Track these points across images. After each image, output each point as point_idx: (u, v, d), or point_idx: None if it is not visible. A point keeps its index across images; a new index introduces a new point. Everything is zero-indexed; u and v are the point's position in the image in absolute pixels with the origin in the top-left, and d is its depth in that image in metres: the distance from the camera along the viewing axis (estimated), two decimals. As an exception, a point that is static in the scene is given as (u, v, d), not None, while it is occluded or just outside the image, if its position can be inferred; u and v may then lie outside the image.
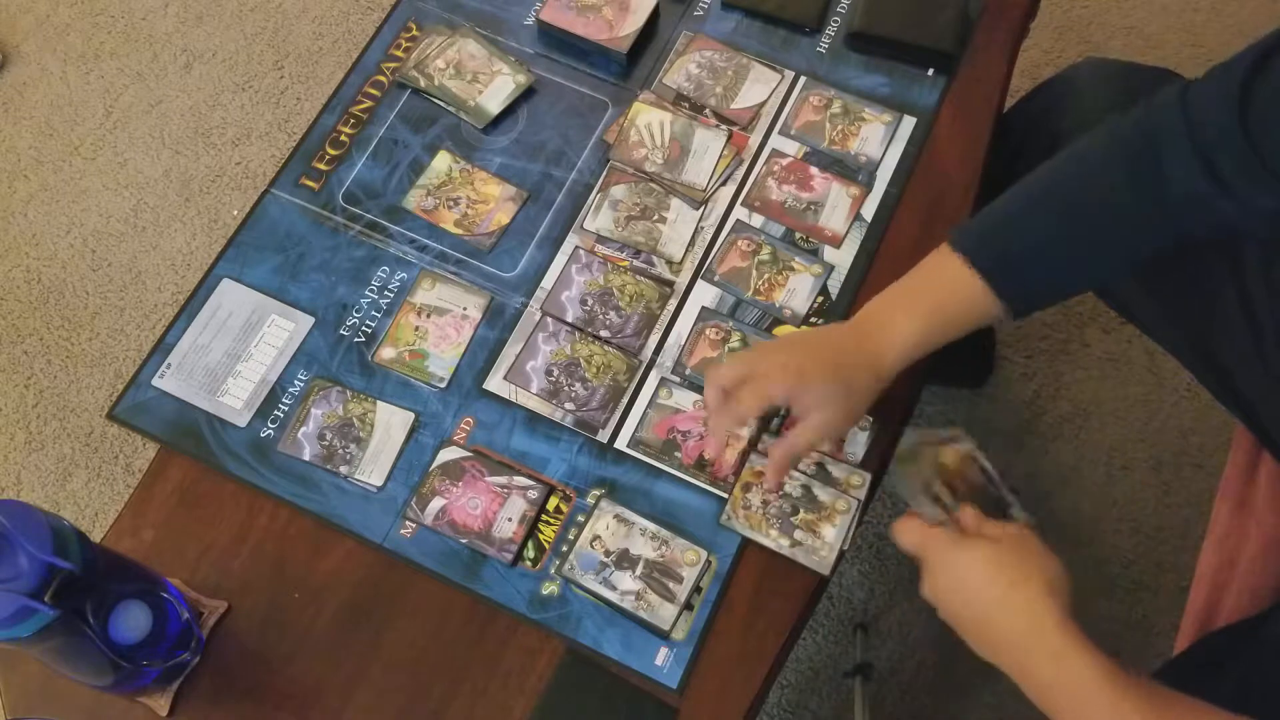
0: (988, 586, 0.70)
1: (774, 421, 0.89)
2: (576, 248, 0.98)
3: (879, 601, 1.39)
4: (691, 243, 0.98)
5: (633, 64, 1.06)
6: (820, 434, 0.80)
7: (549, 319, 0.95)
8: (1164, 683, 0.65)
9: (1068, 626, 0.66)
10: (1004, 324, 0.82)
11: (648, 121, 1.02)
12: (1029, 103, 1.04)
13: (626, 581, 0.84)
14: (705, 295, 0.95)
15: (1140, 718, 0.62)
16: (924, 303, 0.81)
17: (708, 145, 1.01)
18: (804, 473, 0.87)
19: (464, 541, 0.86)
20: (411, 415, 0.91)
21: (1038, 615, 0.67)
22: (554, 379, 0.92)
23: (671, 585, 0.84)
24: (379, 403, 0.92)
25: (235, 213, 1.66)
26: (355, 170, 1.02)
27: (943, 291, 0.81)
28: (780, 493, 0.86)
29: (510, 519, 0.87)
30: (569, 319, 0.95)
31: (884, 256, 0.96)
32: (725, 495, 0.87)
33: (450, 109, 1.04)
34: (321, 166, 1.02)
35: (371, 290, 0.97)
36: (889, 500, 1.43)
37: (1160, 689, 0.64)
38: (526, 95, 1.05)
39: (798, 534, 0.85)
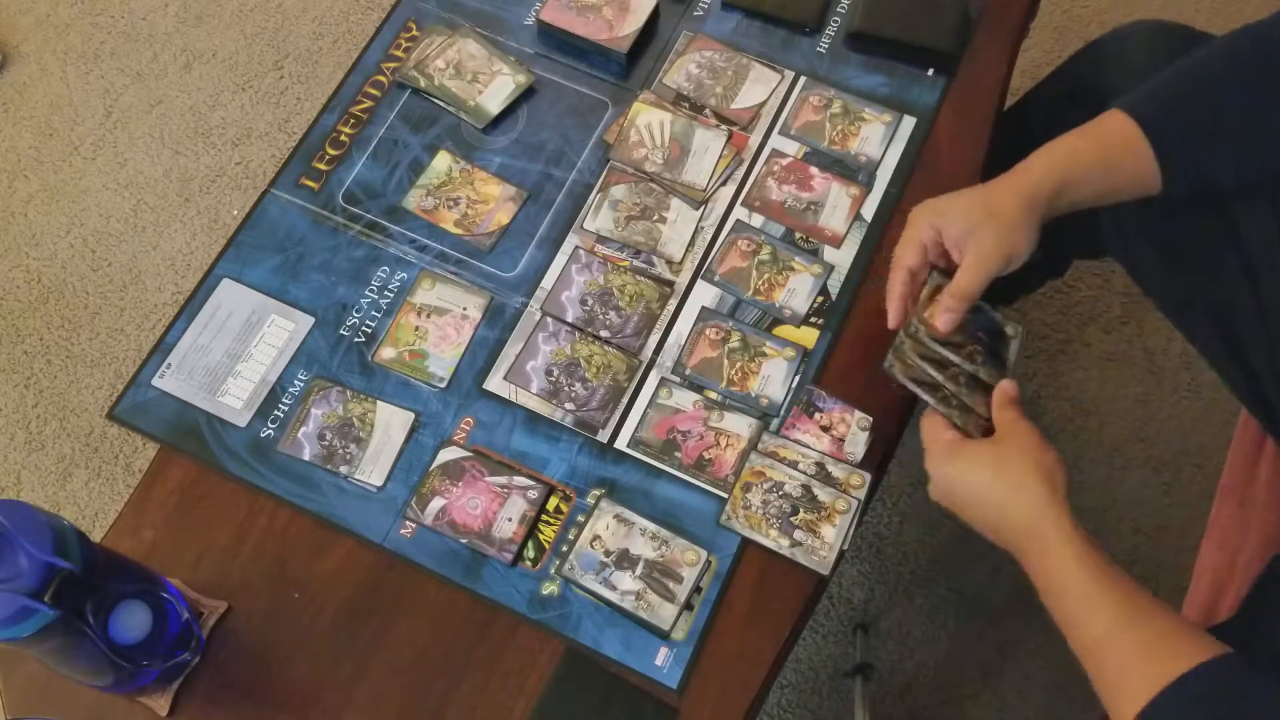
0: (990, 492, 0.75)
1: (774, 422, 0.89)
2: (576, 248, 0.98)
3: (879, 601, 1.39)
4: (691, 243, 0.98)
5: (633, 64, 1.06)
6: (976, 268, 0.79)
7: (549, 319, 0.95)
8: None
9: (1062, 524, 0.71)
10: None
11: (648, 121, 1.02)
12: (1074, 63, 1.04)
13: (626, 581, 0.84)
14: (705, 295, 0.95)
15: (1111, 607, 0.68)
16: (1074, 142, 0.81)
17: (708, 145, 1.01)
18: (804, 473, 0.87)
19: (464, 541, 0.86)
20: (411, 415, 0.91)
21: (1036, 518, 0.72)
22: (554, 379, 0.92)
23: (671, 585, 0.84)
24: (379, 403, 0.92)
25: (235, 213, 1.66)
26: (355, 170, 1.02)
27: (1101, 141, 0.80)
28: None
29: (510, 519, 0.87)
30: (569, 319, 0.95)
31: (884, 256, 0.96)
32: (725, 495, 0.87)
33: (450, 109, 1.04)
34: (321, 166, 1.02)
35: (371, 290, 0.97)
36: (889, 500, 1.43)
37: (1133, 583, 0.69)
38: (526, 95, 1.05)
39: (798, 534, 0.85)
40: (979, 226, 0.79)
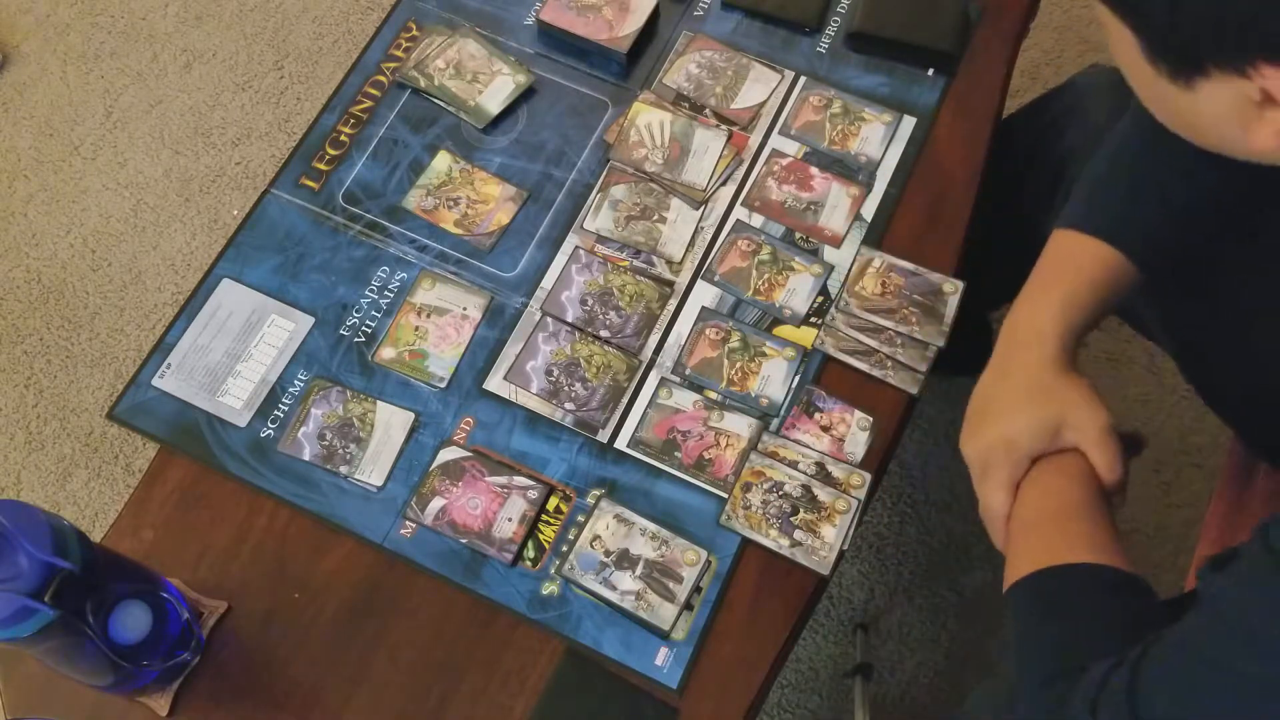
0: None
1: (774, 422, 0.89)
2: (576, 248, 0.98)
3: (879, 601, 1.38)
4: (691, 243, 0.98)
5: (633, 64, 1.06)
6: (1105, 446, 0.74)
7: (549, 319, 0.95)
8: None
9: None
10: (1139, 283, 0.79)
11: (648, 121, 1.02)
12: (1034, 116, 1.04)
13: (626, 581, 0.84)
14: (705, 295, 0.95)
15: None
16: (1054, 276, 0.79)
17: (708, 145, 1.01)
18: (804, 473, 0.87)
19: (464, 541, 0.86)
20: (411, 415, 0.91)
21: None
22: (554, 379, 0.92)
23: (671, 585, 0.84)
24: (379, 403, 0.92)
25: (235, 213, 1.66)
26: (355, 170, 1.02)
27: (1069, 264, 0.79)
28: None
29: (510, 519, 0.87)
30: (569, 319, 0.95)
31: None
32: (725, 495, 0.87)
33: (450, 109, 1.04)
34: (321, 166, 1.02)
35: (371, 290, 0.97)
36: (889, 500, 1.43)
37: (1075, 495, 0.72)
38: (526, 95, 1.05)
39: (798, 534, 0.85)
40: (1060, 427, 0.74)
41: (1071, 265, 0.79)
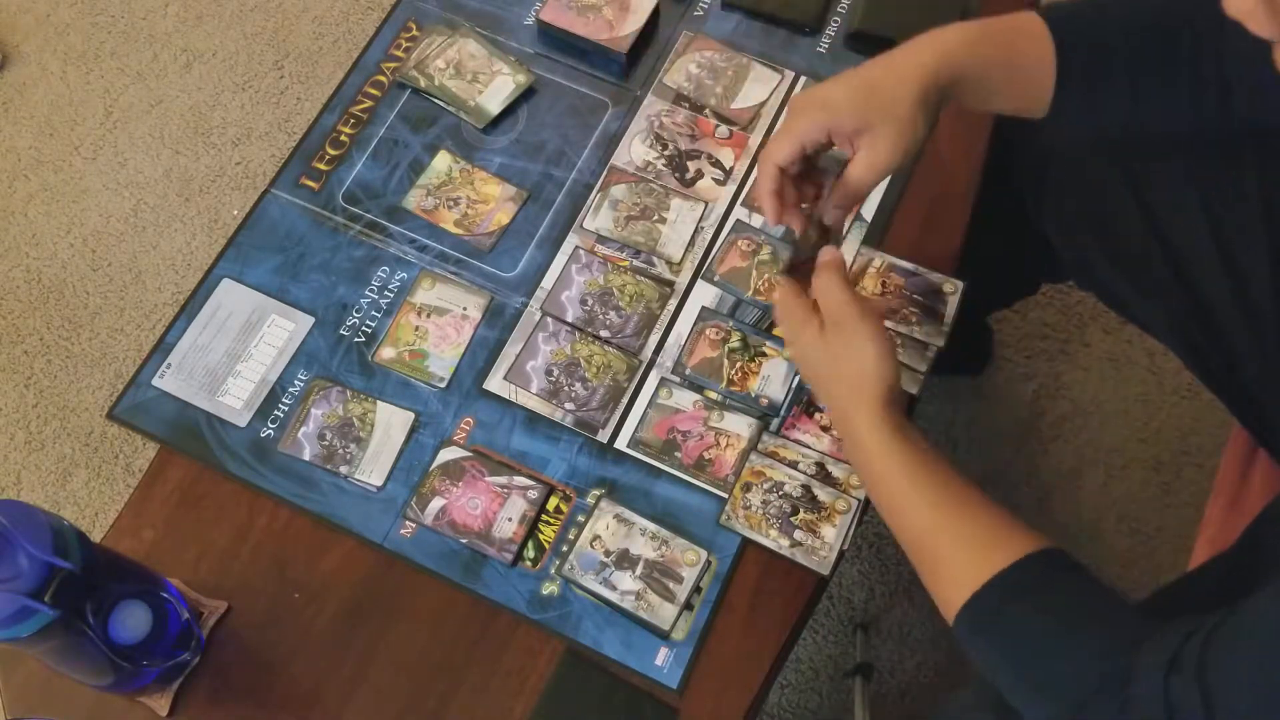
0: (820, 378, 0.79)
1: (774, 422, 0.89)
2: (576, 248, 0.98)
3: (879, 601, 1.39)
4: (691, 243, 0.98)
5: (633, 64, 1.06)
6: (873, 168, 0.75)
7: (549, 319, 0.95)
8: None
9: (872, 415, 0.74)
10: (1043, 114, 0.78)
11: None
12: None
13: (626, 581, 0.84)
14: (705, 295, 0.95)
15: (929, 503, 0.71)
16: (978, 35, 0.76)
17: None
18: (804, 473, 0.87)
19: (464, 541, 0.86)
20: (411, 415, 0.91)
21: (849, 410, 0.75)
22: (554, 379, 0.92)
23: (671, 585, 0.84)
24: (379, 403, 0.92)
25: (235, 213, 1.66)
26: (355, 170, 1.02)
27: (1008, 44, 0.76)
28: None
29: (510, 519, 0.87)
30: (569, 319, 0.95)
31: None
32: (725, 495, 0.87)
33: (450, 109, 1.04)
34: (321, 166, 1.02)
35: (371, 290, 0.97)
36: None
37: (949, 475, 0.72)
38: (526, 95, 1.05)
39: (798, 534, 0.85)
40: (874, 125, 0.74)
41: (1010, 38, 0.76)
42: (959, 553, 0.69)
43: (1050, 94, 0.76)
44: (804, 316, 0.78)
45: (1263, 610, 0.56)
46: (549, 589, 0.85)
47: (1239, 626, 0.57)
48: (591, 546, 0.85)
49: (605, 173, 1.01)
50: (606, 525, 0.86)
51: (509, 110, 1.04)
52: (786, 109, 0.78)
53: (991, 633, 0.67)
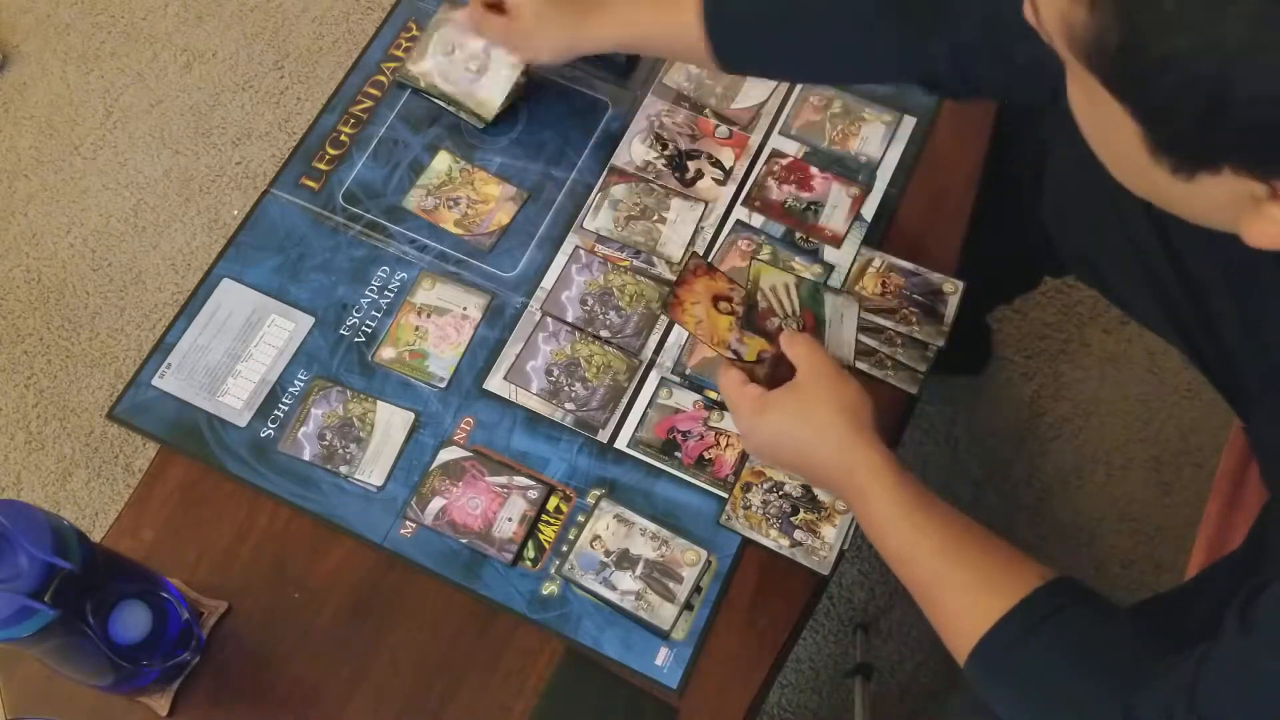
0: (799, 442, 0.76)
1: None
2: (576, 248, 0.98)
3: (879, 601, 1.38)
4: (691, 243, 0.98)
5: (633, 64, 1.06)
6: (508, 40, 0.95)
7: (549, 319, 0.95)
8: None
9: (871, 461, 0.73)
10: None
11: (772, 284, 0.82)
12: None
13: (626, 581, 0.84)
14: (705, 295, 0.95)
15: (932, 546, 0.71)
16: (648, 21, 0.88)
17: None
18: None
19: (464, 541, 0.86)
20: (411, 415, 0.91)
21: (845, 459, 0.74)
22: (554, 379, 0.92)
23: (671, 585, 0.84)
24: (379, 402, 0.92)
25: (235, 213, 1.66)
26: (355, 170, 1.02)
27: (669, 36, 0.87)
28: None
29: (510, 519, 0.87)
30: (569, 319, 0.95)
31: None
32: (725, 495, 0.87)
33: (450, 109, 1.04)
34: (321, 166, 1.02)
35: (371, 290, 0.97)
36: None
37: (951, 516, 0.72)
38: (526, 95, 1.05)
39: (798, 534, 0.85)
40: (538, 17, 0.90)
41: (672, 30, 0.87)
42: (966, 597, 0.69)
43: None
44: (757, 394, 0.77)
45: (1238, 645, 0.57)
46: (549, 589, 0.85)
47: (1224, 659, 0.57)
48: (591, 546, 0.85)
49: (605, 173, 1.01)
50: (606, 525, 0.86)
51: (509, 110, 1.04)
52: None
53: (1000, 678, 0.68)
